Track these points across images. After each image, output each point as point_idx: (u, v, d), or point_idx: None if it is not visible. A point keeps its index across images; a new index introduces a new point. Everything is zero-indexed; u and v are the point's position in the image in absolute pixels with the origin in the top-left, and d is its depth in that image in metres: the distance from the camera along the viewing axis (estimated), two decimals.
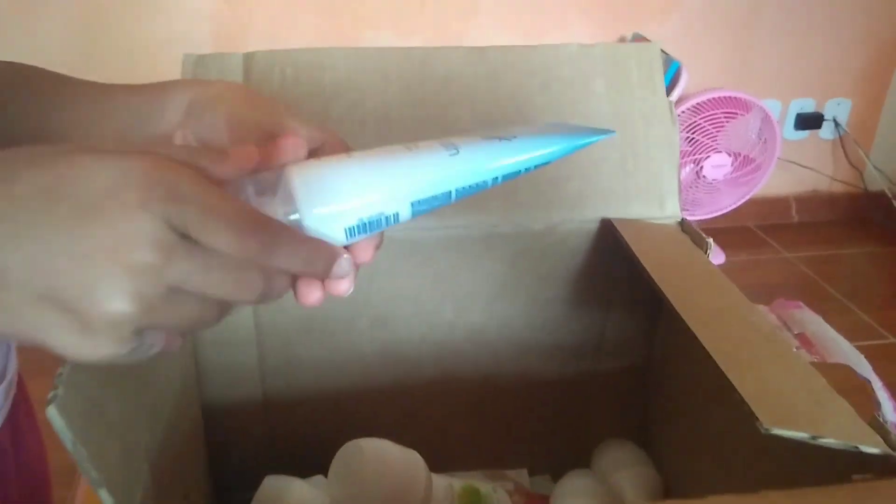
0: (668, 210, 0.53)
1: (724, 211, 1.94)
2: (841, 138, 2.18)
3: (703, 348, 0.38)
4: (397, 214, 0.31)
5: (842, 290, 1.88)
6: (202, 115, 0.36)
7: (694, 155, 1.84)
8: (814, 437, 0.32)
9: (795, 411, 0.34)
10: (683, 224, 0.53)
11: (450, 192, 0.31)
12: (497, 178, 0.32)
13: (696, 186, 1.89)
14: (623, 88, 0.54)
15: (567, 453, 0.59)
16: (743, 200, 1.94)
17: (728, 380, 0.35)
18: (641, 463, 0.57)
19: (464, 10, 1.86)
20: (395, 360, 0.56)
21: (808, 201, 2.24)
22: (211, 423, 0.55)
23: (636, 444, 0.58)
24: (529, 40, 1.86)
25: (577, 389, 0.58)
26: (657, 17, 1.93)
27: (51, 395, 0.29)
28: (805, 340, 0.52)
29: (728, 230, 2.05)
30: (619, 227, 0.50)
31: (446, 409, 0.59)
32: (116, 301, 0.25)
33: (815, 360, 0.50)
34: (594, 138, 0.35)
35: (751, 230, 2.16)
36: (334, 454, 0.46)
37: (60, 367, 0.31)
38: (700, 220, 1.91)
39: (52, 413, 0.28)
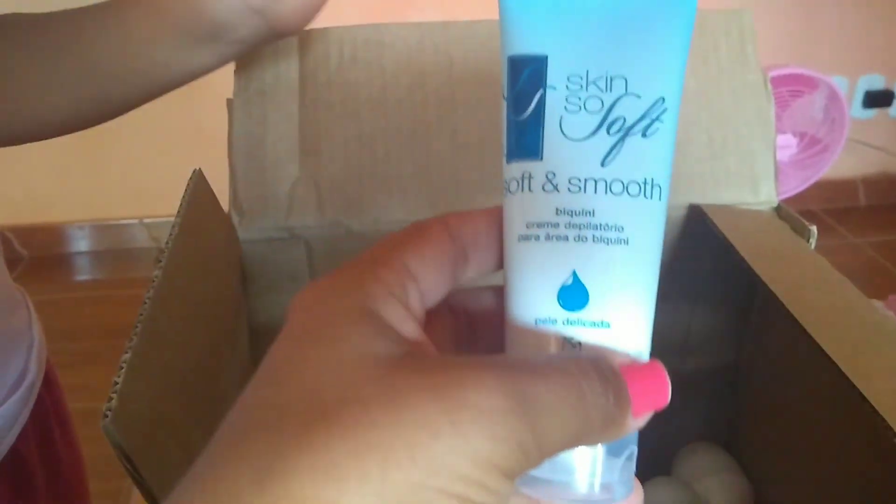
0: (762, 195, 0.48)
1: (789, 195, 1.86)
2: None
3: (816, 349, 0.34)
4: None
5: None
6: None
7: None
8: None
9: None
10: (781, 210, 0.48)
11: None
12: None
13: (777, 172, 1.81)
14: (710, 60, 0.49)
15: (648, 459, 0.54)
16: (809, 183, 1.85)
17: (852, 386, 0.31)
18: (729, 469, 0.52)
19: None
20: None
21: (876, 184, 2.14)
22: None
23: (723, 449, 0.54)
24: None
25: None
26: None
27: (105, 407, 0.26)
28: None
29: None
30: (709, 214, 0.46)
31: None
32: None
33: None
34: None
35: (816, 214, 2.07)
36: None
37: (115, 377, 0.28)
38: None
39: (108, 428, 0.26)
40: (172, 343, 0.34)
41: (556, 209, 0.23)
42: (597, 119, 0.23)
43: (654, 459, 0.54)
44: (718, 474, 0.51)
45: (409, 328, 0.21)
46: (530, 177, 0.24)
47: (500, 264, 0.25)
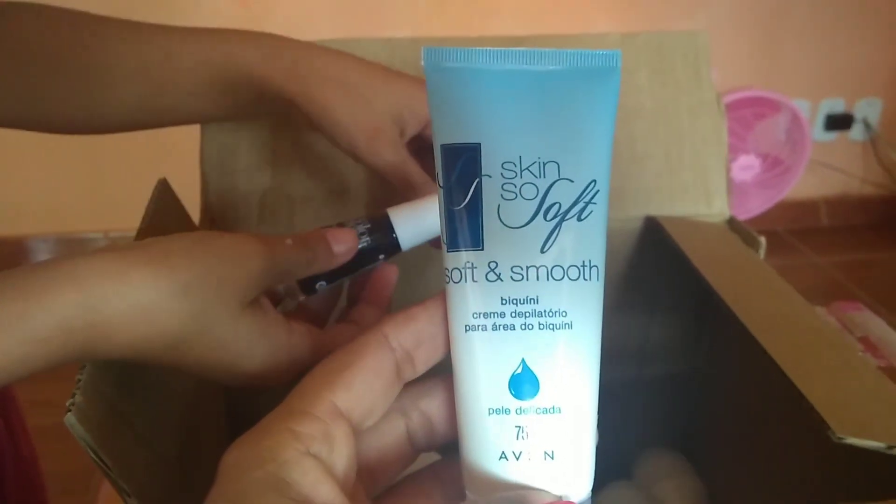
0: (715, 207, 0.51)
1: (753, 214, 1.91)
2: (872, 139, 2.13)
3: (763, 354, 0.35)
4: None
5: (874, 295, 1.83)
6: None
7: None
8: (890, 447, 0.30)
9: (869, 420, 0.32)
10: (732, 222, 0.50)
11: None
12: None
13: (729, 187, 1.85)
14: (668, 80, 0.51)
15: (608, 463, 0.56)
16: (772, 203, 1.90)
17: (794, 387, 0.33)
18: (686, 473, 0.54)
19: (485, 10, 1.84)
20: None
21: (837, 204, 2.19)
22: (237, 430, 0.53)
23: (679, 453, 0.55)
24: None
25: (618, 396, 0.55)
26: (684, 15, 1.90)
27: (69, 402, 0.27)
28: (869, 344, 0.50)
29: None
30: (665, 225, 0.48)
31: None
32: None
33: (883, 365, 0.47)
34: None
35: (779, 234, 2.12)
36: None
37: (78, 374, 0.29)
38: None
39: (71, 421, 0.26)
40: None
41: (502, 298, 0.24)
42: (533, 205, 0.24)
43: (613, 463, 0.56)
44: (674, 478, 0.53)
45: (325, 492, 0.22)
46: (473, 266, 0.24)
47: (446, 352, 0.26)
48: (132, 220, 0.41)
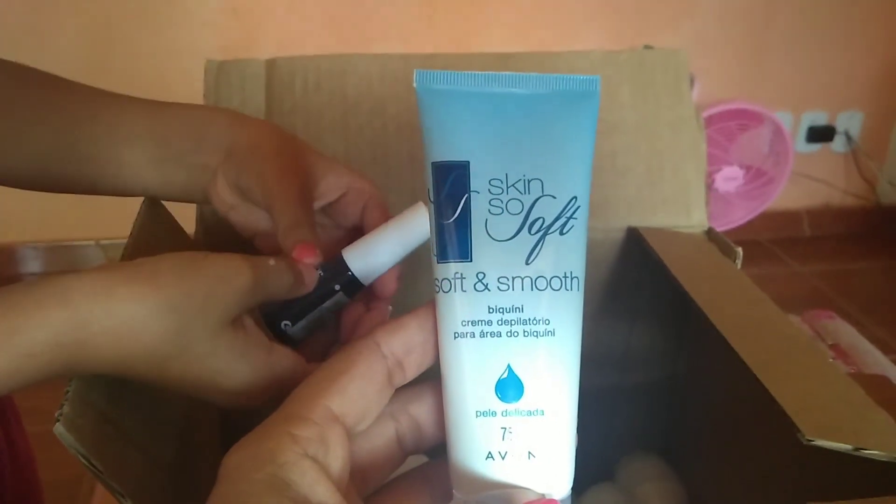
0: (694, 219, 0.52)
1: (736, 224, 1.93)
2: (853, 151, 2.17)
3: (738, 359, 0.37)
4: None
5: (855, 305, 1.86)
6: (241, 167, 0.40)
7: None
8: (857, 449, 0.31)
9: (837, 423, 0.33)
10: (711, 233, 0.52)
11: None
12: None
13: (708, 199, 1.88)
14: (649, 96, 0.53)
15: (591, 466, 0.57)
16: (755, 214, 1.93)
17: (767, 391, 0.35)
18: (666, 477, 0.55)
19: (474, 23, 1.86)
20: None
21: (820, 215, 2.23)
22: (230, 435, 0.54)
23: (660, 457, 0.57)
24: (537, 51, 1.87)
25: (601, 402, 0.57)
26: (668, 27, 1.93)
27: (57, 413, 0.29)
28: (840, 351, 0.51)
29: (740, 244, 2.03)
30: (645, 236, 0.50)
31: None
32: None
33: (852, 371, 0.49)
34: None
35: (763, 244, 2.15)
36: None
37: (67, 385, 0.30)
38: None
39: (60, 430, 0.28)
40: None
41: (489, 307, 0.26)
42: (519, 220, 0.26)
43: (597, 466, 0.57)
44: (655, 481, 0.54)
45: (321, 492, 0.23)
46: (462, 277, 0.26)
47: (435, 359, 0.27)
48: (123, 228, 0.42)
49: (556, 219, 0.26)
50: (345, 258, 0.39)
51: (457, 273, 0.26)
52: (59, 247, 2.03)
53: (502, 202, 0.26)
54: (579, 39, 1.90)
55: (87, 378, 0.31)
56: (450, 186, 0.26)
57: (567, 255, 0.26)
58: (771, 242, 2.16)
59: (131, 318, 0.29)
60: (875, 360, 0.49)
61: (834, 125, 2.13)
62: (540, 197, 0.26)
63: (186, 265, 0.32)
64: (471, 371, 0.26)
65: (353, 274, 0.39)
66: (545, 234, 0.26)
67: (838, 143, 2.15)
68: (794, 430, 0.32)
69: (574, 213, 0.26)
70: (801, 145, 2.12)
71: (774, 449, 0.44)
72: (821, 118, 2.12)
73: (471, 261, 0.26)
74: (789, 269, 2.04)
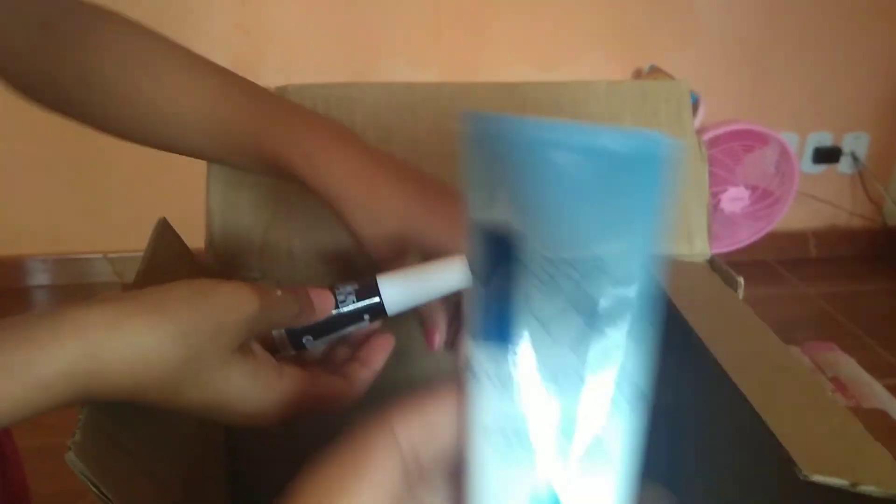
0: (696, 248, 0.53)
1: (742, 245, 1.93)
2: (859, 172, 2.17)
3: (738, 392, 0.37)
4: None
5: (862, 326, 1.86)
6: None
7: (711, 188, 1.83)
8: (854, 485, 0.31)
9: (834, 458, 0.33)
10: (713, 262, 0.52)
11: None
12: None
13: (713, 220, 1.88)
14: (651, 125, 0.54)
15: None
16: (761, 234, 1.93)
17: (765, 424, 0.35)
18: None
19: (478, 41, 1.87)
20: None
21: (826, 236, 2.23)
22: (236, 456, 0.54)
23: (663, 487, 0.57)
24: (543, 71, 1.88)
25: None
26: (674, 48, 1.94)
27: (70, 442, 0.29)
28: (839, 384, 0.52)
29: (746, 264, 2.03)
30: None
31: None
32: None
33: (851, 405, 0.49)
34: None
35: (769, 264, 2.15)
36: None
37: (79, 414, 0.31)
38: (717, 254, 1.90)
39: (72, 458, 0.29)
40: None
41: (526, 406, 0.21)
42: (573, 304, 0.21)
43: None
44: None
45: None
46: (499, 365, 0.21)
47: (457, 448, 0.24)
48: (131, 241, 0.43)
49: (618, 308, 0.20)
50: (379, 284, 0.40)
51: (494, 360, 0.21)
52: (67, 260, 2.04)
53: (554, 281, 0.20)
54: (582, 57, 1.91)
55: (99, 405, 0.32)
56: (493, 253, 0.21)
57: (624, 358, 0.21)
58: (777, 263, 2.16)
59: (144, 348, 0.30)
60: (874, 392, 0.49)
61: (840, 146, 2.13)
62: (600, 278, 0.20)
63: (196, 294, 0.33)
64: (500, 478, 0.22)
65: (381, 302, 0.40)
66: (604, 326, 0.21)
67: (844, 165, 2.15)
68: (792, 465, 0.32)
69: (638, 304, 0.21)
70: (807, 166, 2.13)
71: (771, 483, 0.44)
72: (826, 139, 2.12)
73: (514, 347, 0.21)
74: (795, 290, 2.04)
